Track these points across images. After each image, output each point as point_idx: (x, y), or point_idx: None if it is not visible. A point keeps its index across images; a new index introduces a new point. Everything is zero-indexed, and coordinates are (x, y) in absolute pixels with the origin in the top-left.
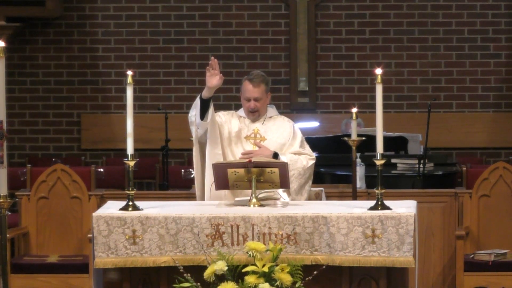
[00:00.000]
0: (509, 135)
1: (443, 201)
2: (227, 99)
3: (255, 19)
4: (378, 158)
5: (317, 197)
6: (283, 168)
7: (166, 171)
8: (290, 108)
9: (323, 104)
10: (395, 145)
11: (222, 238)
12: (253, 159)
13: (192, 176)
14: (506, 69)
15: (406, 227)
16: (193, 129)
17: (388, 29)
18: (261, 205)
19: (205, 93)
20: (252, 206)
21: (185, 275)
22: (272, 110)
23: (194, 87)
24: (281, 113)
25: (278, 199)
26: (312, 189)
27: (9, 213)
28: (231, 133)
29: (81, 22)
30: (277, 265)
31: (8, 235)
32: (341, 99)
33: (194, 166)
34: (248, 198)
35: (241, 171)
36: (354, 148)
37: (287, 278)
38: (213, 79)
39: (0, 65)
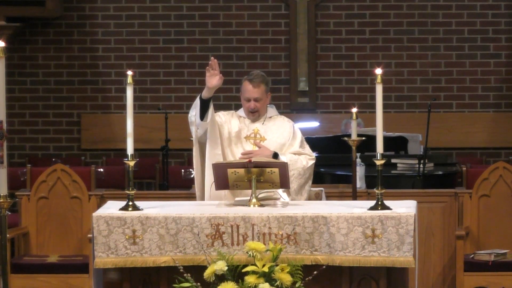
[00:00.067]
0: (509, 135)
1: (443, 201)
2: (227, 99)
3: (255, 19)
4: (378, 158)
5: (317, 197)
6: (283, 168)
7: (166, 171)
8: (290, 108)
9: (323, 104)
10: (395, 145)
11: (222, 238)
12: (253, 159)
13: (192, 176)
14: (506, 69)
15: (406, 227)
16: (193, 129)
17: (388, 29)
18: (261, 205)
19: (205, 93)
20: (252, 206)
21: (185, 275)
22: (272, 110)
23: (194, 87)
24: (281, 113)
25: (278, 199)
26: (312, 189)
27: (9, 213)
28: (231, 133)
29: (81, 22)
30: (277, 265)
31: (8, 235)
32: (341, 99)
33: (194, 166)
34: (248, 198)
35: (241, 171)
36: (354, 148)
37: (287, 278)
38: (213, 79)
39: (0, 65)
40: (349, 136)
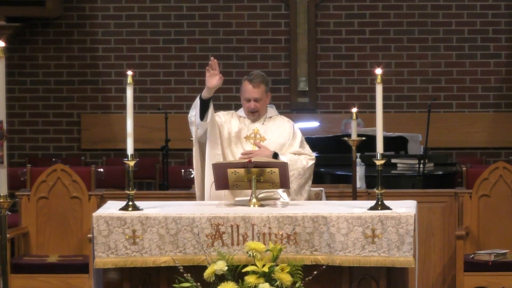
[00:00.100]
0: (509, 135)
1: (443, 201)
2: (227, 99)
3: (255, 19)
4: (378, 158)
5: (317, 197)
6: (283, 168)
7: (166, 171)
8: (290, 108)
9: (323, 104)
10: (395, 145)
11: (222, 238)
12: (253, 159)
13: (192, 176)
14: (506, 69)
15: (406, 227)
16: (193, 129)
17: (388, 29)
18: (261, 205)
19: (205, 93)
20: (252, 206)
21: (185, 275)
22: (272, 110)
23: (194, 87)
24: (281, 113)
25: (278, 199)
26: (312, 189)
27: (9, 213)
28: (231, 133)
29: (81, 22)
30: (277, 265)
31: (8, 235)
32: (341, 99)
33: (194, 166)
34: (248, 198)
35: (241, 171)
36: (354, 148)
37: (287, 278)
38: (213, 79)
39: (0, 65)
40: (349, 136)
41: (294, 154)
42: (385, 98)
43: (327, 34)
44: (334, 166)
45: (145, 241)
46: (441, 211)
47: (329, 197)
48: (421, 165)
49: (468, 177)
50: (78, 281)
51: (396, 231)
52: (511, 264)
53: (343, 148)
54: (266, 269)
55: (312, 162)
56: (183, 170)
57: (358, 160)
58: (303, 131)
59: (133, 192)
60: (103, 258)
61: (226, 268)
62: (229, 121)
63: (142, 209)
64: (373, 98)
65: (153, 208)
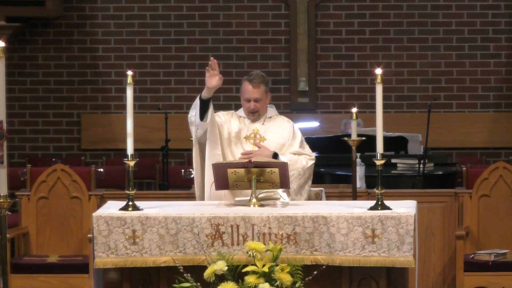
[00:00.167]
0: (509, 135)
1: (443, 201)
2: (227, 99)
3: (255, 19)
4: (378, 158)
5: (317, 197)
6: (283, 168)
7: (166, 171)
8: (290, 108)
9: (323, 104)
10: (395, 145)
11: (222, 238)
12: (253, 159)
13: (192, 176)
14: (506, 69)
15: (406, 227)
16: (192, 129)
17: (388, 29)
18: (261, 205)
19: (205, 94)
20: (252, 206)
21: (185, 275)
22: (272, 110)
23: (194, 87)
24: (281, 113)
25: (278, 199)
26: (312, 189)
27: (9, 213)
28: (230, 134)
29: (81, 22)
30: (277, 265)
31: (8, 235)
32: (341, 99)
33: (194, 167)
34: (248, 198)
35: (241, 171)
36: (354, 148)
37: (287, 278)
38: (213, 79)
39: (0, 65)
40: (349, 136)
41: (294, 154)
42: (385, 98)
43: (327, 34)
44: (334, 166)
45: (145, 241)
46: (441, 211)
47: (329, 197)
48: (421, 165)
49: (468, 177)
50: (78, 281)
51: (396, 231)
52: (511, 264)
53: (343, 148)
54: (266, 269)
55: (312, 162)
56: (183, 170)
57: (358, 160)
58: (303, 131)
59: (133, 192)
60: (103, 258)
61: (226, 268)
62: (229, 121)
63: (142, 209)
64: (373, 98)
65: (153, 208)
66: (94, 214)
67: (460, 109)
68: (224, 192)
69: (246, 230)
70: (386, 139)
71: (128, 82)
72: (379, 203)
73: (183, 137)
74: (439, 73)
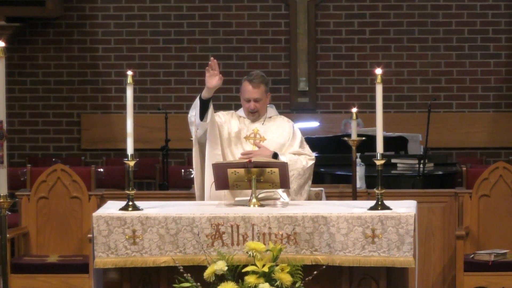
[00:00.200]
0: (509, 135)
1: (443, 201)
2: (227, 99)
3: (255, 19)
4: (378, 158)
5: (317, 197)
6: (283, 168)
7: (166, 171)
8: (290, 108)
9: (323, 104)
10: (395, 145)
11: (222, 238)
12: (253, 159)
13: (192, 176)
14: (506, 69)
15: (406, 227)
16: (192, 129)
17: (388, 29)
18: (261, 205)
19: (205, 94)
20: (252, 206)
21: (185, 275)
22: (271, 110)
23: (194, 87)
24: (281, 113)
25: (278, 199)
26: (312, 189)
27: (9, 213)
28: (230, 134)
29: (81, 22)
30: (277, 265)
31: (8, 235)
32: (341, 99)
33: (194, 167)
34: (248, 198)
35: (241, 171)
36: (354, 148)
37: (287, 278)
38: (213, 79)
39: (0, 65)
40: (349, 136)
41: (294, 154)
42: (385, 98)
43: (327, 34)
44: (334, 166)
45: (145, 241)
46: (441, 211)
47: (329, 197)
48: (421, 165)
49: (468, 177)
50: (78, 281)
51: (396, 231)
52: (511, 264)
53: (343, 148)
54: (266, 269)
55: (312, 162)
56: (183, 170)
57: (358, 160)
58: (303, 131)
59: (133, 192)
60: (103, 258)
61: (226, 268)
62: (229, 121)
63: (142, 209)
64: (373, 98)
65: (153, 208)
66: (94, 214)
67: (460, 109)
68: (224, 192)
69: (246, 230)
70: (386, 139)
71: (128, 82)
72: (379, 203)
73: (183, 137)
74: (439, 73)
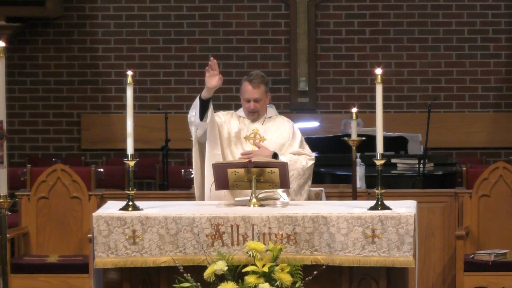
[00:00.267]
0: (509, 135)
1: (443, 201)
2: (227, 99)
3: (255, 19)
4: (378, 158)
5: (317, 197)
6: (283, 168)
7: (166, 171)
8: (290, 108)
9: (323, 104)
10: (395, 145)
11: (222, 238)
12: (253, 159)
13: (192, 176)
14: (506, 69)
15: (406, 227)
16: (192, 129)
17: (388, 29)
18: (261, 205)
19: (205, 94)
20: (252, 206)
21: (185, 275)
22: (271, 110)
23: (194, 87)
24: (281, 113)
25: (278, 199)
26: (312, 189)
27: (9, 213)
28: (230, 134)
29: (81, 22)
30: (277, 265)
31: (8, 235)
32: (341, 99)
33: (194, 167)
34: (248, 198)
35: (241, 171)
36: (354, 148)
37: (287, 278)
38: (213, 79)
39: (0, 65)
40: (349, 136)
41: (294, 154)
42: (385, 98)
43: (327, 34)
44: (334, 166)
45: (145, 241)
46: (441, 211)
47: (329, 197)
48: (421, 165)
49: (468, 177)
50: (78, 281)
51: (396, 231)
52: (511, 264)
53: (343, 148)
54: (266, 269)
55: (311, 162)
56: (183, 170)
57: (358, 160)
58: (303, 131)
59: (133, 192)
60: (103, 258)
61: (226, 268)
62: (228, 121)
63: (142, 209)
64: (373, 98)
65: (153, 208)
66: (94, 214)
67: (460, 109)
68: (224, 192)
69: (246, 230)
70: (386, 139)
71: (128, 82)
72: (379, 203)
73: (183, 137)
74: (439, 73)
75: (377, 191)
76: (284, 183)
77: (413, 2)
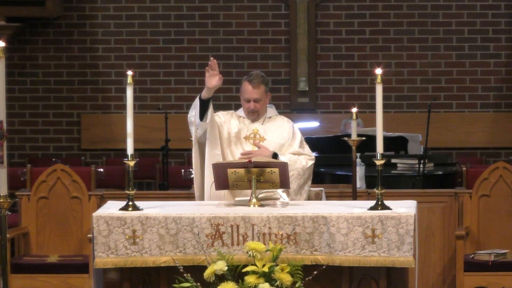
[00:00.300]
0: (509, 135)
1: (443, 201)
2: (227, 99)
3: (255, 19)
4: (378, 158)
5: (317, 197)
6: (283, 168)
7: (166, 171)
8: (290, 108)
9: (323, 104)
10: (395, 145)
11: (222, 238)
12: (253, 159)
13: (192, 176)
14: (506, 69)
15: (406, 227)
16: (192, 129)
17: (388, 29)
18: (261, 205)
19: (205, 94)
20: (252, 206)
21: (185, 275)
22: (271, 110)
23: (194, 87)
24: (281, 113)
25: (278, 199)
26: (312, 189)
27: (9, 213)
28: (230, 134)
29: (81, 22)
30: (277, 265)
31: (8, 235)
32: (341, 99)
33: (193, 167)
34: (248, 198)
35: (241, 171)
36: (354, 148)
37: (287, 278)
38: (213, 79)
39: (0, 65)
40: (349, 136)
41: (294, 154)
42: (385, 98)
43: (327, 34)
44: (334, 166)
45: (145, 241)
46: (441, 211)
47: (329, 197)
48: (421, 165)
49: (468, 177)
50: (78, 281)
51: (396, 231)
52: (511, 264)
53: (343, 148)
54: (266, 269)
55: (311, 162)
56: (183, 170)
57: (358, 160)
58: (303, 131)
59: (133, 192)
60: (103, 258)
61: (226, 268)
62: (228, 121)
63: (142, 209)
64: (373, 98)
65: (153, 208)
66: (94, 214)
67: (460, 109)
68: (224, 192)
69: (246, 230)
70: (386, 139)
71: (128, 82)
72: (379, 203)
73: (183, 137)
74: (439, 73)
75: (377, 191)
76: (284, 183)
77: (413, 2)
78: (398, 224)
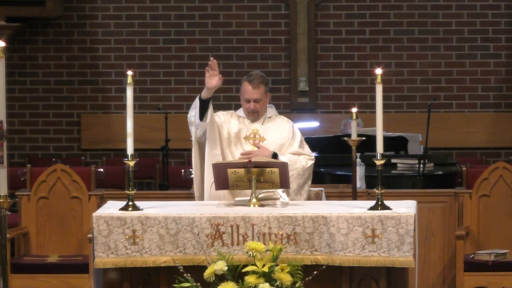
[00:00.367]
0: (509, 135)
1: (443, 201)
2: (227, 99)
3: (255, 19)
4: (378, 158)
5: (317, 197)
6: (283, 168)
7: (166, 171)
8: (290, 108)
9: (323, 104)
10: (395, 145)
11: (222, 238)
12: (253, 159)
13: (192, 176)
14: (506, 69)
15: (406, 227)
16: (192, 129)
17: (388, 29)
18: (261, 205)
19: (205, 94)
20: (252, 206)
21: (185, 275)
22: (271, 110)
23: (194, 87)
24: (281, 113)
25: (278, 199)
26: (312, 189)
27: (9, 213)
28: (230, 134)
29: (81, 22)
30: (277, 265)
31: (8, 235)
32: (341, 99)
33: (193, 167)
34: (248, 198)
35: (241, 171)
36: (354, 148)
37: (287, 278)
38: (212, 79)
39: (0, 65)
40: (349, 136)
41: (294, 154)
42: (385, 98)
43: (327, 34)
44: (334, 166)
45: (145, 241)
46: (441, 211)
47: (329, 197)
48: (421, 165)
49: (468, 177)
50: (78, 281)
51: (396, 231)
52: (511, 264)
53: (343, 148)
54: (266, 269)
55: (311, 162)
56: (183, 170)
57: (358, 160)
58: (303, 131)
59: (133, 192)
60: (103, 258)
61: (226, 268)
62: (228, 121)
63: (142, 209)
64: (373, 98)
65: (153, 208)
66: (94, 214)
67: (460, 109)
68: (224, 192)
69: (246, 230)
70: (386, 139)
71: (128, 82)
72: (379, 203)
73: (183, 137)
74: (439, 73)
75: (377, 191)
76: (284, 183)
77: (413, 2)
78: (398, 224)
